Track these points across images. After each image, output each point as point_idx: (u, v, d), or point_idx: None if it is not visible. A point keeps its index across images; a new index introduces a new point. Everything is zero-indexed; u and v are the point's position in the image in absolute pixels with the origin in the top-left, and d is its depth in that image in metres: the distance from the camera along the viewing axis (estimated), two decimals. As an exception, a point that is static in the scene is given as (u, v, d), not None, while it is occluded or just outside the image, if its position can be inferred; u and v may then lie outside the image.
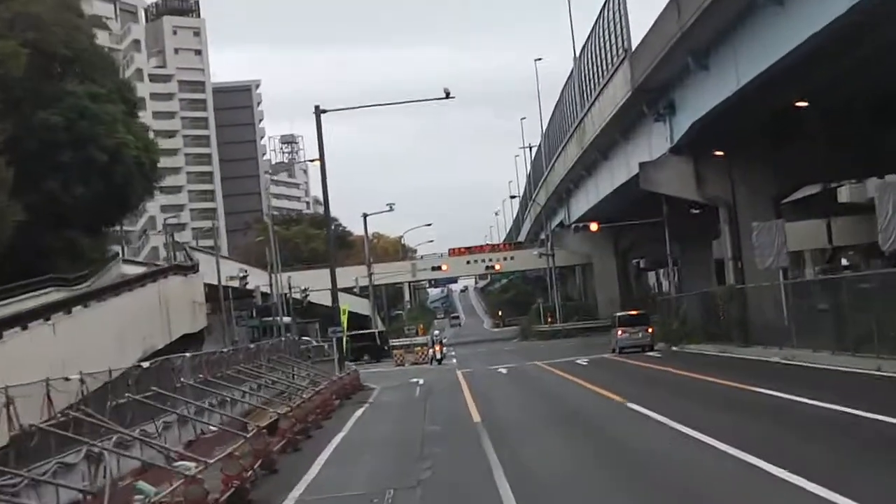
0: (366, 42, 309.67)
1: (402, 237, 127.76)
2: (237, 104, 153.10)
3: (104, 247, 52.88)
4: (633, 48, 45.32)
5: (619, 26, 48.19)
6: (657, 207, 56.77)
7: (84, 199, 42.67)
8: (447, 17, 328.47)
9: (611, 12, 50.01)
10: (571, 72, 69.77)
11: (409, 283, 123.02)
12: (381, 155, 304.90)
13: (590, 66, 58.95)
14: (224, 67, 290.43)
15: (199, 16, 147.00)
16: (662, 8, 38.66)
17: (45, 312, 31.21)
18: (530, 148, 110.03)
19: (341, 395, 33.79)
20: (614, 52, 49.47)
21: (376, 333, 70.01)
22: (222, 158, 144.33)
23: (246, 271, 74.34)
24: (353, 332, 59.97)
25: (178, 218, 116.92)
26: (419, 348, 65.08)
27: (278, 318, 69.66)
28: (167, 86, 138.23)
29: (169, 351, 33.66)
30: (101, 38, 65.08)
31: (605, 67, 52.47)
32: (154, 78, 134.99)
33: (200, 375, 24.58)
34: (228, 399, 26.66)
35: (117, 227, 63.69)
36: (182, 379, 22.88)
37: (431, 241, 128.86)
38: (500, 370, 44.44)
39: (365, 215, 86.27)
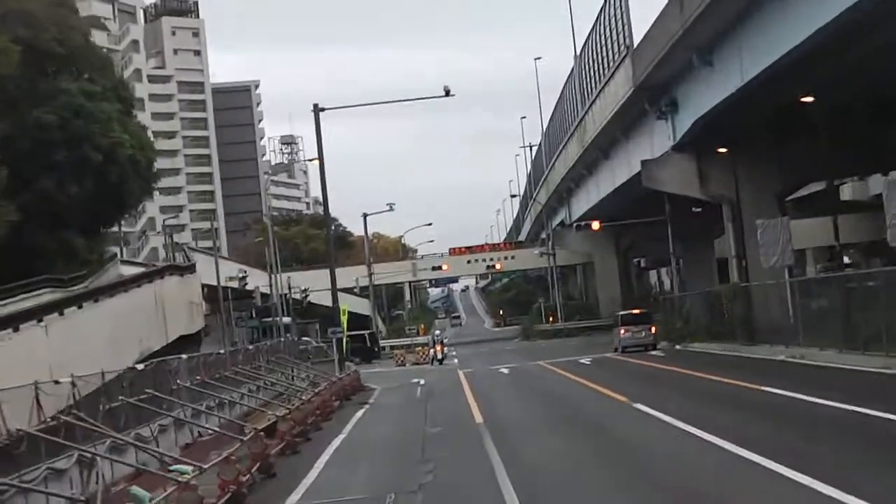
0: (366, 42, 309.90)
1: (402, 237, 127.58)
2: (236, 105, 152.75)
3: (102, 248, 52.40)
4: (635, 45, 44.95)
5: (620, 23, 47.80)
6: (658, 206, 56.36)
7: (79, 198, 42.20)
8: (447, 17, 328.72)
9: (612, 9, 49.62)
10: (572, 70, 69.37)
11: (410, 282, 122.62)
12: (381, 155, 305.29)
13: (591, 63, 58.53)
14: (223, 68, 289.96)
15: (198, 16, 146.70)
16: (664, 4, 38.30)
17: (37, 314, 30.59)
18: (531, 147, 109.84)
19: (341, 396, 33.50)
20: (616, 49, 49.09)
21: (366, 335, 69.55)
22: (222, 159, 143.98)
23: (245, 272, 74.02)
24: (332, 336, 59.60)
25: (178, 219, 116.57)
26: (420, 348, 64.82)
27: (278, 319, 69.26)
28: (166, 87, 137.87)
29: (166, 353, 33.18)
30: (99, 39, 64.80)
31: (606, 65, 52.07)
32: (153, 79, 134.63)
33: (197, 377, 24.17)
34: (226, 401, 26.28)
35: (115, 228, 63.22)
36: (178, 381, 22.46)
37: (432, 240, 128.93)
38: (501, 370, 44.15)
39: (365, 215, 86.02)
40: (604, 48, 52.76)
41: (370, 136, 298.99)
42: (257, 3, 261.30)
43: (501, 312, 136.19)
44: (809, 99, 36.68)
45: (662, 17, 39.08)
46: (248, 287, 72.14)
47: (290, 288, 76.53)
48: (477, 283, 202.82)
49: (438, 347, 59.10)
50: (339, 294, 48.80)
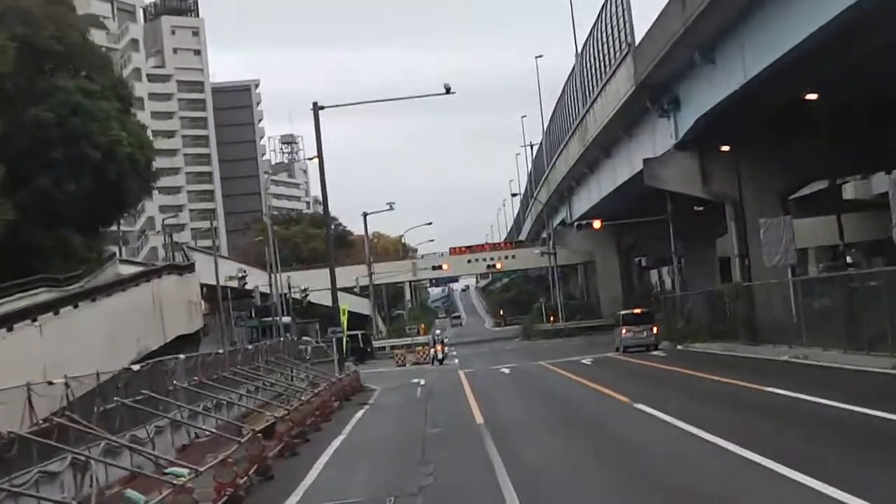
0: (366, 42, 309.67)
1: (402, 236, 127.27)
2: (236, 104, 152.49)
3: (100, 247, 52.07)
4: (637, 43, 44.70)
5: (622, 21, 47.55)
6: (660, 205, 56.15)
7: (76, 196, 41.85)
8: (447, 17, 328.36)
9: (614, 7, 49.36)
10: (573, 68, 69.06)
11: (410, 282, 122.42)
12: (382, 155, 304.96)
13: (592, 62, 58.24)
14: (223, 67, 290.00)
15: (197, 15, 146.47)
16: (666, 2, 38.05)
17: (31, 313, 30.18)
18: (531, 146, 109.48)
19: (341, 397, 33.27)
20: (617, 47, 48.83)
21: (359, 335, 69.30)
22: (221, 159, 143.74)
23: (245, 271, 73.72)
24: (325, 338, 59.46)
25: (178, 218, 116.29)
26: (420, 348, 64.53)
27: (277, 319, 68.97)
28: (166, 86, 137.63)
29: (164, 353, 32.89)
30: (99, 38, 64.41)
31: (607, 63, 51.80)
32: (153, 78, 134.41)
33: (195, 378, 23.87)
34: (224, 402, 25.99)
35: (114, 227, 62.93)
36: (175, 382, 22.16)
37: (432, 240, 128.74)
38: (502, 370, 43.93)
39: (365, 214, 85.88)
40: (605, 46, 52.49)
41: (370, 135, 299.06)
42: (257, 3, 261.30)
43: (502, 312, 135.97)
44: (813, 96, 36.38)
45: (664, 15, 38.84)
46: (247, 287, 71.84)
47: (289, 287, 76.28)
48: (477, 282, 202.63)
49: (439, 347, 58.84)
50: (339, 294, 48.62)
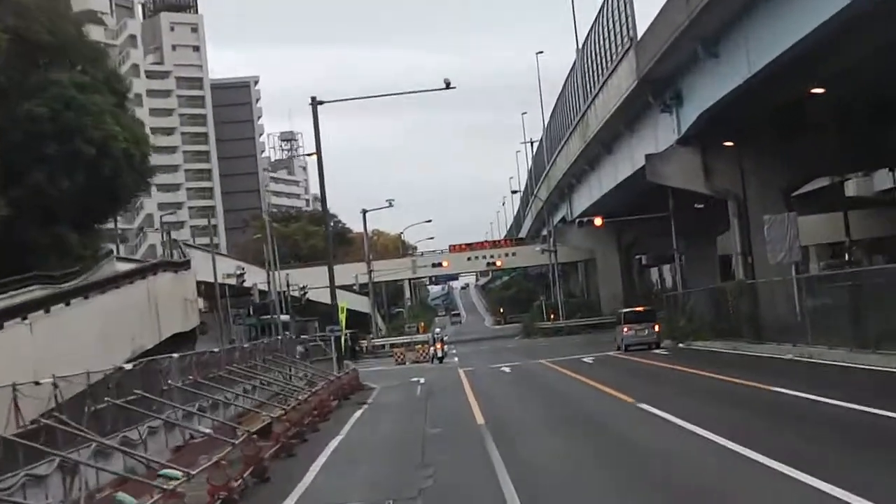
0: (366, 42, 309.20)
1: (402, 234, 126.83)
2: (236, 101, 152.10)
3: (97, 244, 51.58)
4: (639, 37, 44.27)
5: (624, 15, 47.12)
6: (661, 202, 55.79)
7: (71, 192, 41.38)
8: (447, 17, 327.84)
9: (615, 1, 48.89)
10: (574, 64, 68.57)
11: (410, 280, 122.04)
12: (381, 153, 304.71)
13: (593, 57, 57.78)
14: (222, 64, 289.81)
15: (196, 12, 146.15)
16: (669, -5, 37.66)
17: (21, 311, 29.56)
18: (532, 143, 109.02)
19: (339, 396, 32.90)
20: (619, 41, 48.40)
21: (347, 334, 68.86)
22: (221, 156, 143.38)
23: (243, 269, 73.26)
24: (322, 334, 59.03)
25: (177, 216, 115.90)
26: (420, 346, 64.11)
27: (276, 317, 68.54)
28: (164, 82, 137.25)
29: (159, 351, 32.44)
30: (96, 33, 64.06)
31: (609, 58, 51.35)
32: (151, 74, 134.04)
33: (190, 377, 23.38)
34: (220, 402, 25.52)
35: (111, 225, 62.48)
36: (169, 381, 21.69)
37: (432, 237, 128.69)
38: (503, 369, 43.55)
39: (364, 211, 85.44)
40: (607, 41, 52.04)
41: (370, 134, 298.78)
42: (256, 1, 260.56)
43: (502, 310, 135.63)
44: (818, 91, 35.95)
45: (667, 8, 38.42)
46: (246, 284, 71.40)
47: (288, 285, 75.88)
48: (477, 280, 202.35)
49: (438, 345, 58.44)
50: (339, 292, 48.29)
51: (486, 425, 22.06)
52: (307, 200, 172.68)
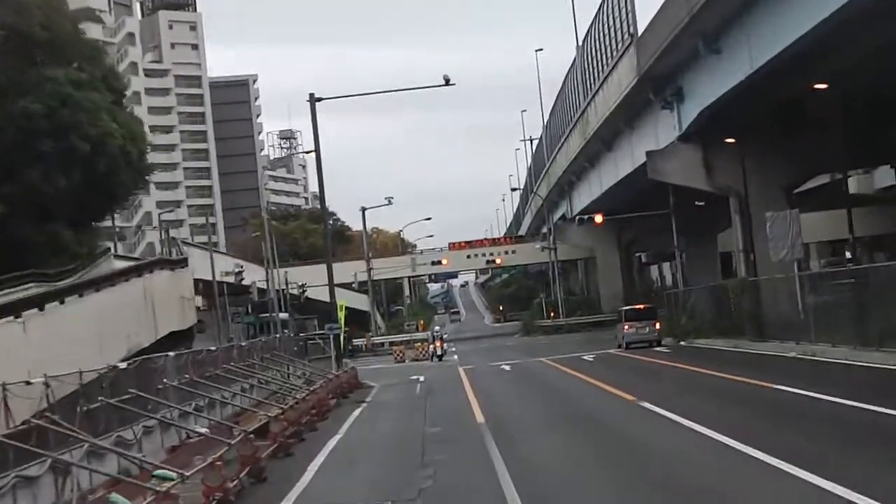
0: (365, 42, 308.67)
1: (401, 232, 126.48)
2: (235, 99, 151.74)
3: (94, 242, 51.20)
4: (640, 33, 43.97)
5: (624, 11, 46.78)
6: (661, 199, 55.49)
7: (66, 190, 40.95)
8: (447, 16, 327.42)
9: (616, -3, 48.59)
10: (574, 61, 68.28)
11: (409, 278, 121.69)
12: (381, 152, 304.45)
13: (593, 54, 57.48)
14: (221, 63, 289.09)
15: (195, 10, 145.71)
16: (670, -10, 37.35)
17: (15, 309, 29.11)
18: (531, 141, 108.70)
19: (338, 394, 32.62)
20: (619, 38, 48.08)
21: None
22: (220, 154, 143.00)
23: (242, 266, 72.93)
24: (314, 333, 58.77)
25: (176, 214, 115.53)
26: (419, 344, 63.82)
27: (275, 315, 68.23)
28: (163, 80, 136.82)
29: (156, 349, 32.09)
30: (94, 31, 63.74)
31: (609, 55, 51.06)
32: (150, 73, 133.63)
33: (186, 376, 23.07)
34: (217, 401, 25.22)
35: (109, 222, 62.10)
36: (165, 380, 21.38)
37: (431, 235, 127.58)
38: (503, 367, 43.29)
39: (363, 209, 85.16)
40: (607, 38, 51.74)
41: (369, 133, 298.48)
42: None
43: (501, 308, 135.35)
44: (821, 86, 35.64)
45: (668, 4, 38.14)
46: (244, 282, 71.08)
47: (287, 283, 75.58)
48: (476, 278, 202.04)
49: (438, 343, 58.16)
50: (337, 290, 48.04)
51: (487, 424, 21.84)
52: (306, 199, 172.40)
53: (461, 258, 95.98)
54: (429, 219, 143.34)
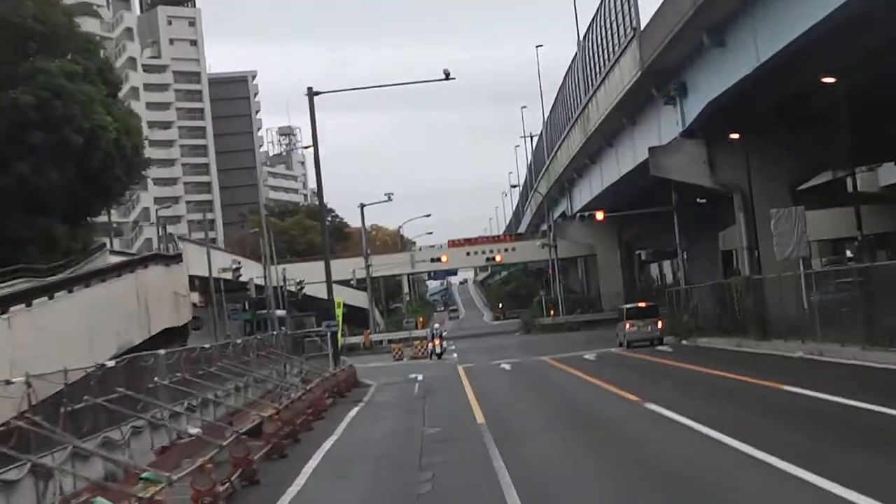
0: (365, 40, 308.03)
1: (400, 228, 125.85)
2: (233, 95, 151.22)
3: (89, 237, 50.47)
4: (643, 27, 43.31)
5: (627, 5, 46.10)
6: (662, 197, 54.91)
7: (59, 184, 40.19)
8: (447, 13, 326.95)
9: (618, -10, 47.95)
10: (575, 56, 67.61)
11: (408, 275, 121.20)
12: (380, 149, 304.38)
13: (595, 48, 56.79)
14: (220, 58, 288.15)
15: (194, 6, 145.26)
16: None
17: (0, 304, 28.40)
18: (531, 137, 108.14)
19: (335, 393, 32.04)
20: (622, 32, 47.42)
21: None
22: (218, 150, 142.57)
23: (239, 263, 72.33)
24: (305, 331, 58.18)
25: (174, 210, 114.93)
26: (418, 342, 63.26)
27: (272, 312, 67.64)
28: (162, 76, 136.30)
29: (148, 347, 31.39)
30: (92, 26, 62.95)
31: (611, 49, 50.38)
32: (148, 68, 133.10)
33: (178, 374, 22.43)
34: (211, 400, 24.59)
35: (104, 218, 61.45)
36: (156, 378, 20.75)
37: (431, 232, 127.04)
38: (503, 365, 42.78)
39: (362, 205, 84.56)
40: (609, 32, 51.05)
41: (368, 129, 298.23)
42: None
43: (501, 306, 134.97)
44: (829, 80, 35.01)
45: (672, -3, 37.43)
46: (241, 279, 70.48)
47: (285, 280, 75.01)
48: (476, 275, 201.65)
49: (437, 341, 57.63)
50: (336, 287, 47.55)
51: (487, 424, 21.37)
52: (305, 195, 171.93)
53: (461, 255, 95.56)
54: (428, 216, 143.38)
